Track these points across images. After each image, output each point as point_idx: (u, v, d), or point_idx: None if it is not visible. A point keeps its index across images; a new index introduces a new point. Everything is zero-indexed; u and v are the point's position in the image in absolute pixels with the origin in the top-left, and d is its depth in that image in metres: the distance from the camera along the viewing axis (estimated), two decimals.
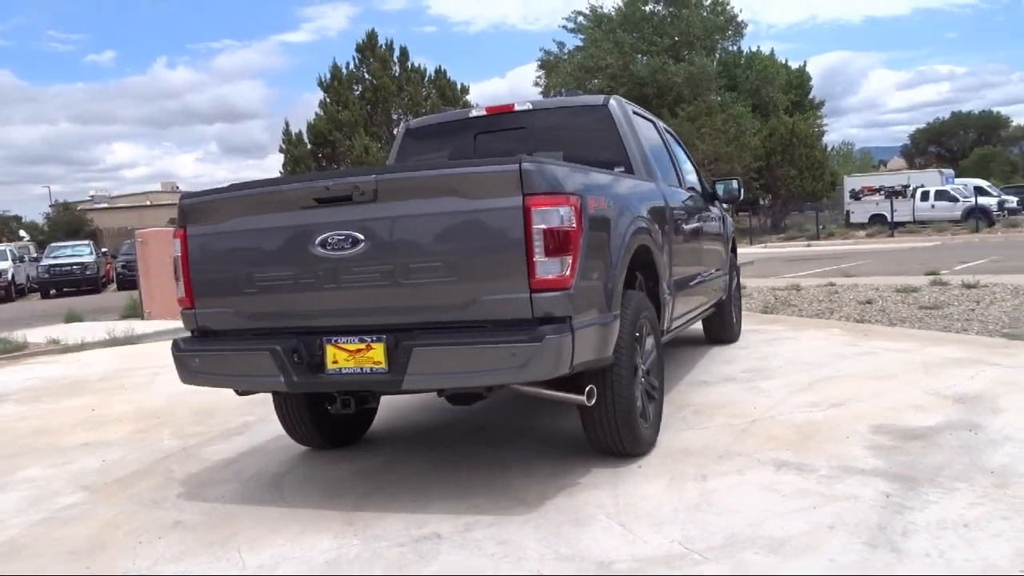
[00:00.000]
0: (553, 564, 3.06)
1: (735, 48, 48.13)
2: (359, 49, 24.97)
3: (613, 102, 5.25)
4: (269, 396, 4.53)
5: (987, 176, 48.15)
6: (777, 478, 3.79)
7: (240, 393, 4.34)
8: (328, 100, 25.72)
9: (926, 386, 5.39)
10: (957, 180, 40.67)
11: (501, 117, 5.47)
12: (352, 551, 3.31)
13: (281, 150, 24.23)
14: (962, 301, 9.53)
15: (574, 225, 3.46)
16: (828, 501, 3.45)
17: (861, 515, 3.28)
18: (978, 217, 32.10)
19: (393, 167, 3.73)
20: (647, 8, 44.55)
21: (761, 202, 45.63)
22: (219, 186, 4.31)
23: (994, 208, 33.68)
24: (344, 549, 3.34)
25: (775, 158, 41.39)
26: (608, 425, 4.03)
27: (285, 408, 4.62)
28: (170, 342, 4.16)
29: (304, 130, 24.08)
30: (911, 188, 36.80)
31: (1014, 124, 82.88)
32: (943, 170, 45.50)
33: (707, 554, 3.02)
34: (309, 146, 25.45)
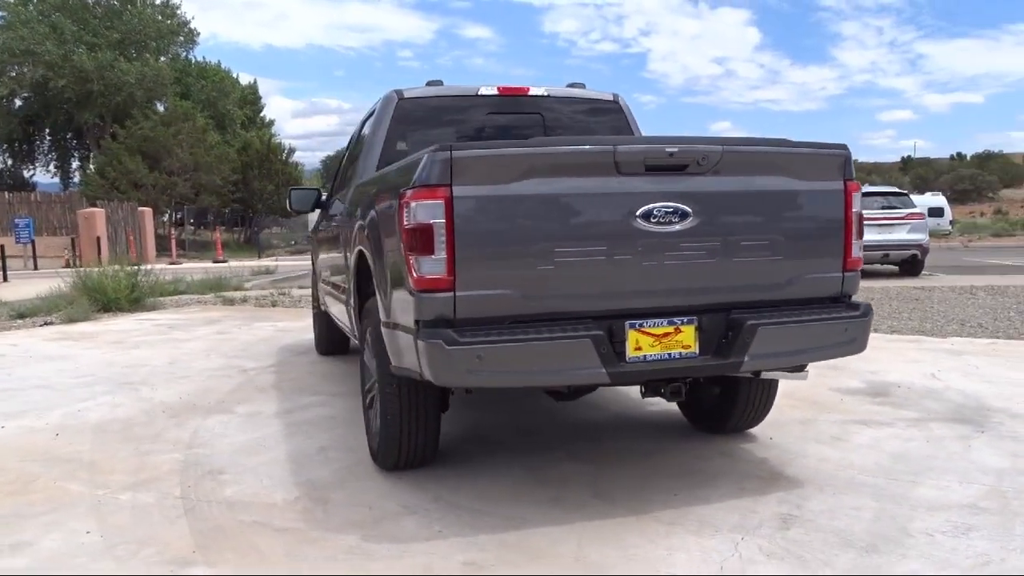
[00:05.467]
0: (926, 513, 3.31)
1: (186, 56, 45.85)
2: None
3: (622, 100, 5.40)
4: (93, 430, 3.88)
5: None
6: (890, 432, 4.51)
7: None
8: None
9: None
10: None
11: (515, 100, 5.16)
12: (748, 550, 3.01)
13: None
14: None
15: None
16: (964, 439, 4.34)
17: (1008, 446, 4.21)
18: None
19: (735, 139, 3.46)
20: None
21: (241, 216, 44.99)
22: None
23: None
24: (732, 545, 3.04)
25: (252, 172, 41.29)
26: (760, 402, 4.26)
27: (413, 417, 3.69)
28: None
29: None
30: None
31: None
32: None
33: (1015, 486, 3.60)
34: None
